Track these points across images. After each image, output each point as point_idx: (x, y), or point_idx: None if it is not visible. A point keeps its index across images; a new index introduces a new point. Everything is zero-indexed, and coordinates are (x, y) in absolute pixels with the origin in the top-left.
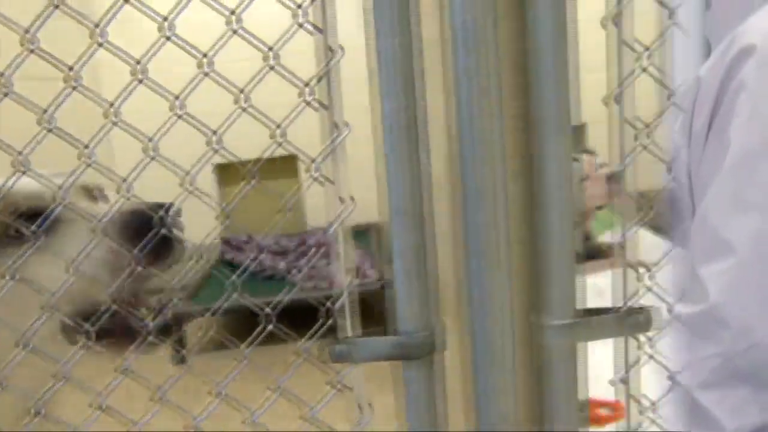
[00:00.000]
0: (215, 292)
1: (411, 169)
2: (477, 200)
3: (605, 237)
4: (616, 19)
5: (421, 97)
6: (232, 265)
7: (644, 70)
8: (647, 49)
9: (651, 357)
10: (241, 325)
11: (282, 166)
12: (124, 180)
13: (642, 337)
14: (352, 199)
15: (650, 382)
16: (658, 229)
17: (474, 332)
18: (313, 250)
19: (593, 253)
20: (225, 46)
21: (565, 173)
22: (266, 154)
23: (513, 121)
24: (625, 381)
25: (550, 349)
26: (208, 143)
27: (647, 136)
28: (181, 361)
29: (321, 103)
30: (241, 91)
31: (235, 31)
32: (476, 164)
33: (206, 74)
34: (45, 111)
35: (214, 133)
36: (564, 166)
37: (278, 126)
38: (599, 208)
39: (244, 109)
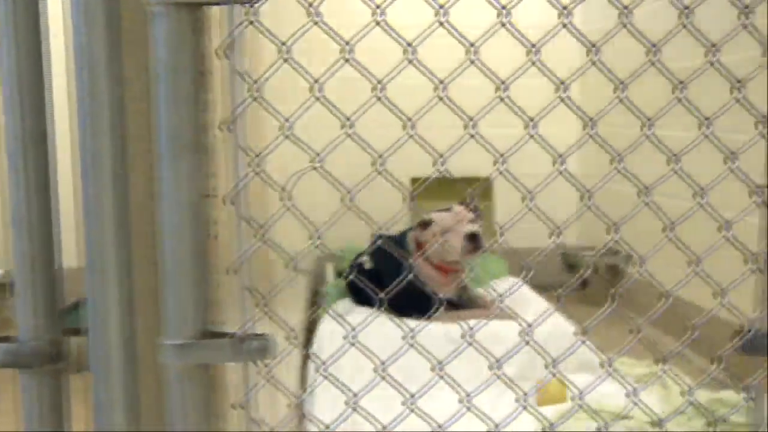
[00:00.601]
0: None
1: (26, 178)
2: (92, 218)
3: (481, 288)
4: (227, 50)
5: (50, 112)
6: None
7: (255, 99)
8: (256, 82)
9: (268, 381)
10: None
11: None
12: None
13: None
14: None
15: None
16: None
17: (91, 347)
18: None
19: (468, 303)
20: None
21: (181, 198)
22: None
23: (144, 144)
24: (243, 405)
25: (167, 368)
26: None
27: (258, 165)
28: None
29: None
30: None
31: None
32: (89, 182)
33: None
34: None
35: None
36: (180, 190)
37: None
38: (455, 262)
39: None
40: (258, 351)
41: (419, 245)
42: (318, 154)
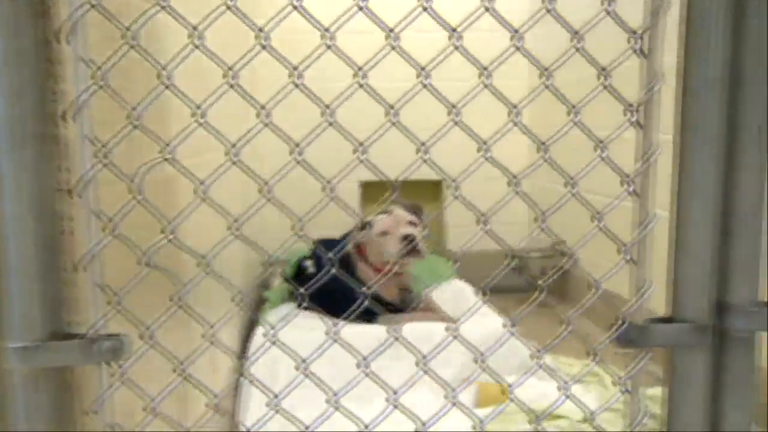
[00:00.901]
0: None
1: None
2: None
3: (425, 291)
4: (69, 36)
5: None
6: None
7: (100, 87)
8: (99, 68)
9: (123, 383)
10: None
11: None
12: None
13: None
14: None
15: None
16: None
17: None
18: None
19: (409, 306)
20: None
21: (24, 190)
22: None
23: None
24: (97, 410)
25: (11, 373)
26: None
27: (105, 156)
28: None
29: None
30: None
31: None
32: None
33: None
34: None
35: None
36: (22, 182)
37: None
38: (395, 263)
39: None
40: (110, 352)
41: (358, 248)
42: (167, 145)
